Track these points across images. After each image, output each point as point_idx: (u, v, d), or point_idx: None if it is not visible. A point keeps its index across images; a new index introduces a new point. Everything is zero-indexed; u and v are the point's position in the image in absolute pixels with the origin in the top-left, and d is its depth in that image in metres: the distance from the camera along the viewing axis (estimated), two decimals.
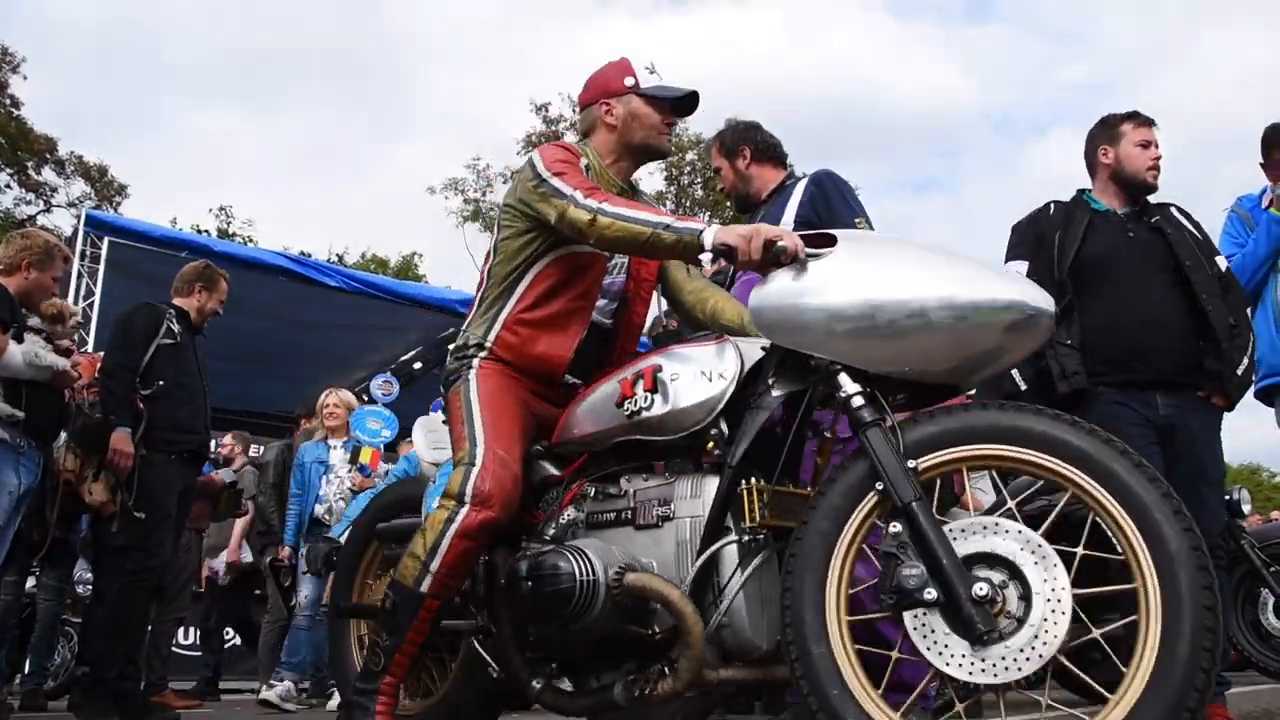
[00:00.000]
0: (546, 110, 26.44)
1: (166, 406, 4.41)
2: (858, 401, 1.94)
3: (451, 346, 2.63)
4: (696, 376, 2.14)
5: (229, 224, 25.49)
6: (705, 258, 2.15)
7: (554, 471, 2.44)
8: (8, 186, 23.71)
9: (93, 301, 7.09)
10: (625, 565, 2.12)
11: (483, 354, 2.50)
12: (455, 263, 51.25)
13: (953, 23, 45.07)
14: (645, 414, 2.20)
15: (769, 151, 3.44)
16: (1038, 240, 3.36)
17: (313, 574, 4.13)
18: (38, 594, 5.59)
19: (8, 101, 23.20)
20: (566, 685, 2.29)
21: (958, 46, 44.42)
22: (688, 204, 27.12)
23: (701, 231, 2.13)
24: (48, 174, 24.25)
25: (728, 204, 26.71)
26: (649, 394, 2.19)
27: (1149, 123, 3.43)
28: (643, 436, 2.23)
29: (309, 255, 17.14)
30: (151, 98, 41.16)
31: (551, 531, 2.30)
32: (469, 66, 41.68)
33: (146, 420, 4.33)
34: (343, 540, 3.96)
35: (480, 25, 40.52)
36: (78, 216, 9.39)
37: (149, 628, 4.89)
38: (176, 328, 4.56)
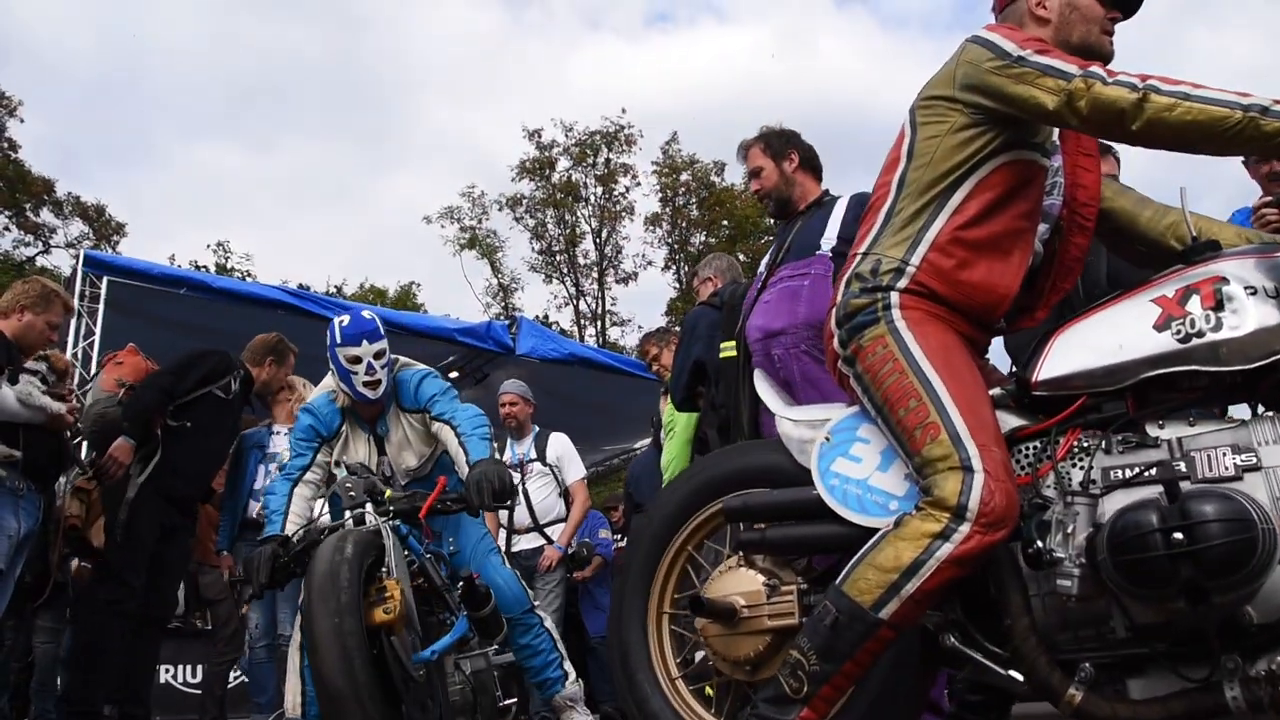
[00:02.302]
0: (539, 136, 26.63)
1: (181, 449, 4.37)
2: None
3: (845, 273, 2.08)
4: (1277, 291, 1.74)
5: (227, 259, 25.59)
6: None
7: (1020, 421, 1.96)
8: (6, 229, 23.86)
9: (93, 341, 7.09)
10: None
11: (902, 282, 1.98)
12: (453, 291, 51.34)
13: (940, 31, 45.26)
14: (1208, 338, 1.75)
15: (812, 161, 3.44)
16: None
17: (254, 588, 3.09)
18: (34, 637, 5.58)
19: (5, 145, 23.34)
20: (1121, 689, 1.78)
21: (947, 56, 44.58)
22: (683, 225, 27.20)
23: None
24: (46, 215, 24.39)
25: (725, 224, 26.86)
26: (1210, 312, 1.76)
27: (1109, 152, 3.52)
28: (1200, 367, 1.76)
29: (308, 288, 17.20)
30: (145, 133, 41.35)
31: (1047, 494, 1.85)
32: (460, 93, 41.95)
33: (160, 453, 4.31)
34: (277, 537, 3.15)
35: (469, 51, 40.80)
36: (76, 257, 9.41)
37: (154, 663, 4.85)
38: (235, 388, 4.56)
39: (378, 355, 3.47)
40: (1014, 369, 2.01)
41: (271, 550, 3.09)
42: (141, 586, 4.28)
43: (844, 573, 1.87)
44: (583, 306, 27.33)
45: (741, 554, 2.21)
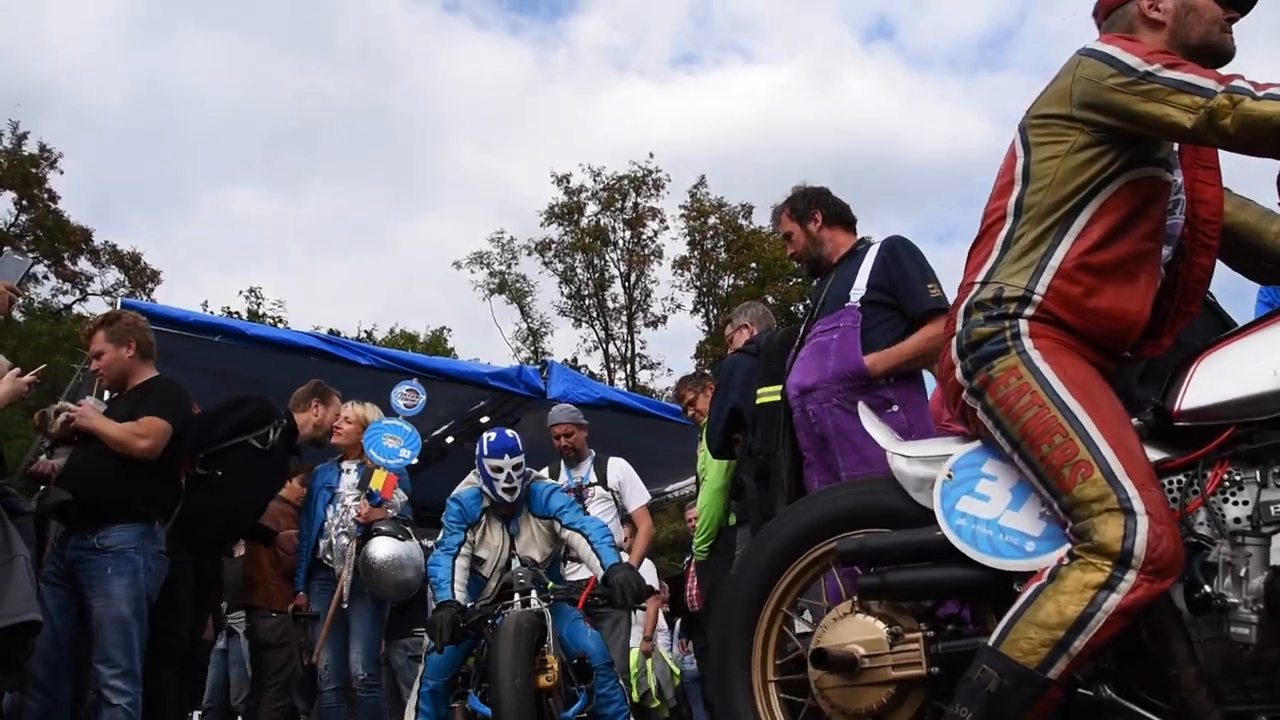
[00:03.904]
0: (568, 181, 26.88)
1: (208, 499, 4.22)
2: None
3: (964, 302, 1.98)
4: None
5: (259, 305, 25.93)
6: None
7: (1161, 454, 1.85)
8: (45, 277, 24.29)
9: None
10: None
11: (1029, 310, 1.90)
12: (483, 335, 51.66)
13: (965, 71, 45.46)
14: None
15: (840, 215, 3.46)
16: None
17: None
18: None
19: (45, 196, 23.86)
20: None
21: (973, 95, 44.75)
22: (711, 268, 27.27)
23: None
24: (83, 263, 24.85)
25: (753, 265, 26.90)
26: None
27: None
28: None
29: (339, 334, 17.35)
30: (177, 180, 42.17)
31: (1202, 532, 1.75)
32: (488, 137, 42.54)
33: (183, 502, 4.16)
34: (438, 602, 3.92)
35: (498, 96, 41.44)
36: (112, 304, 9.51)
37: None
38: (274, 437, 4.44)
39: (515, 467, 4.27)
40: (1150, 399, 1.89)
41: (452, 615, 3.84)
42: (188, 631, 4.22)
43: (998, 633, 1.75)
44: (612, 350, 27.42)
45: (855, 600, 2.08)
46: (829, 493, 2.39)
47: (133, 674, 3.61)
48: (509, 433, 4.40)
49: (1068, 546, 1.76)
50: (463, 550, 4.25)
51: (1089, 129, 1.90)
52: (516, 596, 3.87)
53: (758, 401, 4.01)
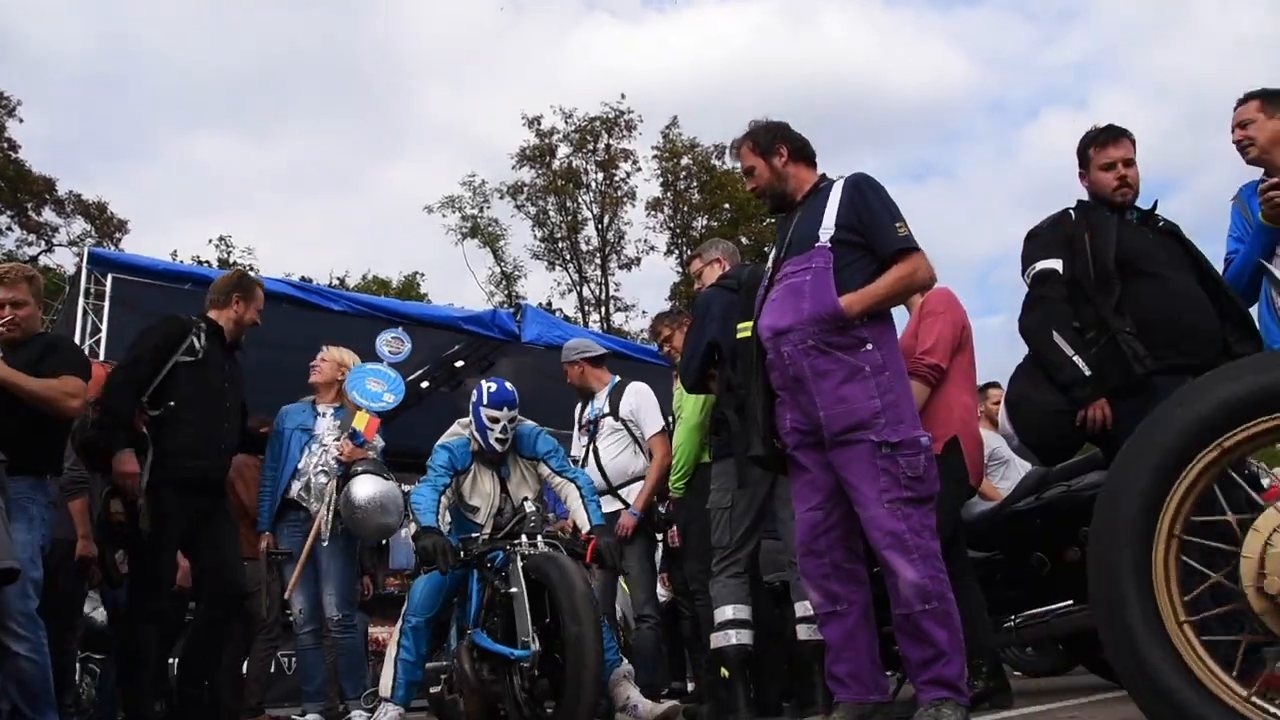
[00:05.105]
0: (539, 123, 26.57)
1: (173, 430, 4.21)
2: None
3: None
4: None
5: (229, 254, 25.60)
6: None
7: None
8: (9, 228, 23.90)
9: (99, 339, 7.10)
10: None
11: None
12: (456, 280, 51.32)
13: (942, 5, 45.04)
14: None
15: (803, 150, 3.40)
16: (1066, 242, 3.51)
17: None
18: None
19: (5, 145, 23.35)
20: None
21: (950, 30, 44.42)
22: (685, 209, 27.16)
23: None
24: (48, 214, 24.41)
25: (726, 206, 26.76)
26: None
27: (1114, 139, 3.61)
28: None
29: (310, 280, 17.20)
30: (142, 127, 41.30)
31: None
32: (458, 80, 41.87)
33: (152, 444, 4.16)
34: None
35: (466, 37, 40.68)
36: (79, 255, 9.41)
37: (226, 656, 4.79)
38: (201, 344, 4.36)
39: (511, 420, 4.45)
40: None
41: (445, 542, 3.89)
42: (169, 585, 4.23)
43: None
44: (586, 293, 27.36)
45: None
46: (1220, 376, 1.90)
47: (31, 617, 3.63)
48: (509, 385, 4.51)
49: None
50: (446, 494, 4.29)
51: None
52: (524, 537, 3.91)
53: (739, 336, 4.04)
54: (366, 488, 4.71)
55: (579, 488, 4.44)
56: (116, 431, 4.14)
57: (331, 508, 4.79)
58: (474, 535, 4.19)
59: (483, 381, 4.55)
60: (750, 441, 3.29)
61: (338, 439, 4.94)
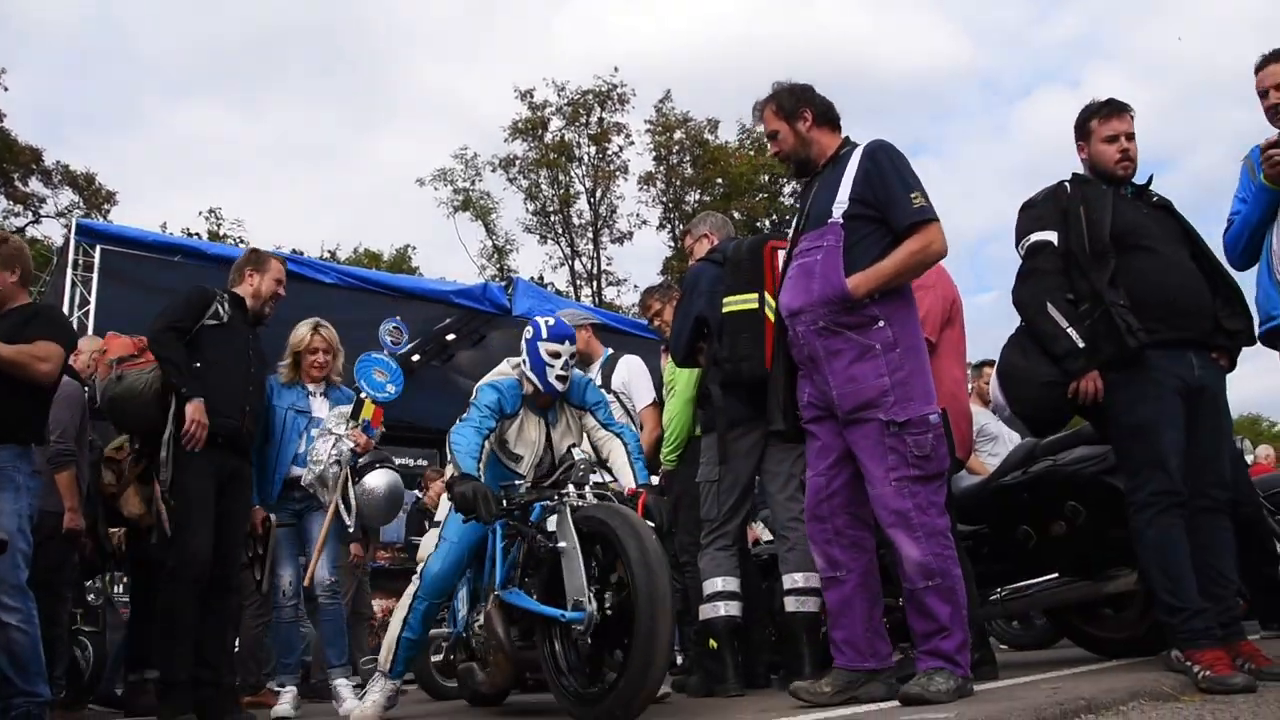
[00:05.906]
0: (531, 96, 26.37)
1: (201, 389, 4.23)
2: None
3: None
4: None
5: (219, 225, 25.41)
6: None
7: None
8: None
9: (88, 310, 7.08)
10: None
11: None
12: (447, 253, 51.18)
13: None
14: None
15: (828, 114, 3.35)
16: (1062, 214, 3.50)
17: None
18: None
19: None
20: None
21: (944, 7, 44.15)
22: (677, 183, 27.05)
23: None
24: (35, 185, 24.19)
25: (719, 181, 26.57)
26: None
27: (1117, 112, 3.58)
28: None
29: (301, 253, 17.11)
30: (131, 97, 40.91)
31: None
32: (450, 52, 41.50)
33: (177, 403, 4.17)
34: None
35: (459, 7, 40.30)
36: (68, 226, 9.35)
37: (226, 627, 4.70)
38: (225, 309, 4.46)
39: (572, 355, 4.05)
40: None
41: (487, 490, 3.51)
42: (207, 547, 4.15)
43: None
44: (578, 267, 27.27)
45: None
46: None
47: (20, 588, 3.66)
48: (566, 317, 4.32)
49: None
50: (490, 439, 3.91)
51: None
52: (571, 488, 3.62)
53: (725, 310, 4.05)
54: (383, 479, 4.92)
55: (625, 444, 4.12)
56: (182, 373, 4.18)
57: (342, 494, 4.86)
58: (516, 483, 3.83)
59: (537, 318, 4.17)
60: (771, 416, 3.34)
61: (346, 430, 4.95)
